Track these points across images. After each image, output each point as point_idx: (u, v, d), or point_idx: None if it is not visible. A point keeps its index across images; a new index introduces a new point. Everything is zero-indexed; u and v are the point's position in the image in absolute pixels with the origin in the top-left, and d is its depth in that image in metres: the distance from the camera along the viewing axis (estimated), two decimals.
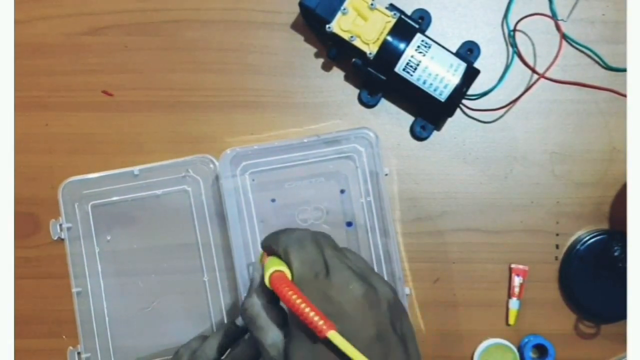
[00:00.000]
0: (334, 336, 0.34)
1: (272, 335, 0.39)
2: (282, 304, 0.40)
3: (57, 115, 0.59)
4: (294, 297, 0.35)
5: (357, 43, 0.53)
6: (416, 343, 0.38)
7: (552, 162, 0.58)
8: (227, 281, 0.57)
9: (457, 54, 0.55)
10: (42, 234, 0.58)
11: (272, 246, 0.40)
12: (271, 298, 0.40)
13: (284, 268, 0.37)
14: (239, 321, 0.52)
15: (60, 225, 0.57)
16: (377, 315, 0.36)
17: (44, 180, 0.58)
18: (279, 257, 0.39)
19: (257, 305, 0.40)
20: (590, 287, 0.57)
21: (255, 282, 0.41)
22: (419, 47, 0.53)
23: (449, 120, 0.58)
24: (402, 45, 0.53)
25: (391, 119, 0.59)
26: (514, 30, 0.57)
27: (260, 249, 0.44)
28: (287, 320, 0.39)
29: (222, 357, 0.50)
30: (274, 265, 0.37)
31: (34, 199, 0.59)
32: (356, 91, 0.59)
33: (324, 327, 0.34)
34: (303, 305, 0.34)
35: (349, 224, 0.56)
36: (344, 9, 0.53)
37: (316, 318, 0.34)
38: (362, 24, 0.53)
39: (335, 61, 0.58)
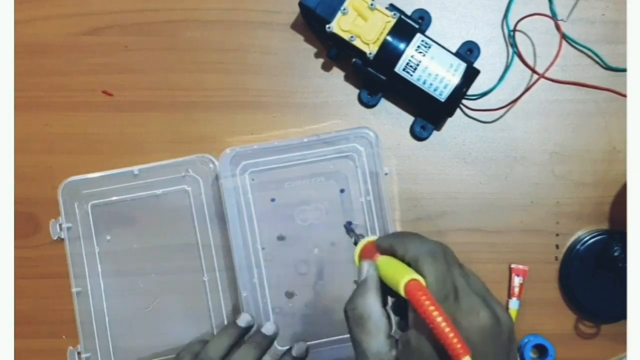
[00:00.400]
0: None
1: (379, 343, 0.36)
2: (388, 308, 0.38)
3: (57, 115, 0.59)
4: (435, 313, 0.32)
5: (357, 43, 0.53)
6: None
7: (552, 162, 0.58)
8: (227, 281, 0.57)
9: (457, 54, 0.55)
10: (42, 234, 0.58)
11: (396, 248, 0.37)
12: (384, 302, 0.38)
13: (420, 278, 0.35)
14: (240, 321, 0.52)
15: (60, 225, 0.57)
16: (499, 347, 0.34)
17: (44, 180, 0.58)
18: (404, 262, 0.37)
19: (370, 307, 0.37)
20: (590, 287, 0.57)
21: (371, 282, 0.38)
22: (419, 47, 0.53)
23: (449, 120, 0.58)
24: (402, 46, 0.53)
25: (391, 119, 0.59)
26: (514, 30, 0.57)
27: (354, 236, 0.42)
28: (392, 329, 0.37)
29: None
30: (408, 273, 0.35)
31: (34, 199, 0.59)
32: (356, 91, 0.59)
33: (461, 351, 0.31)
34: (444, 324, 0.32)
35: (349, 223, 0.56)
36: (344, 9, 0.53)
37: (455, 340, 0.32)
38: (362, 24, 0.53)
39: (335, 61, 0.58)
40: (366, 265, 0.39)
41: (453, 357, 0.32)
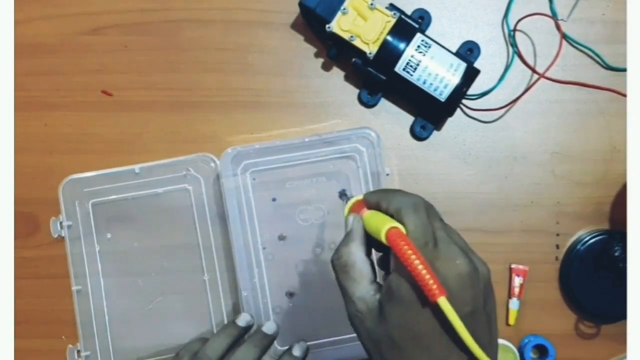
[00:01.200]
0: (444, 303, 0.33)
1: (363, 288, 0.38)
2: (373, 257, 0.41)
3: (57, 115, 0.59)
4: (413, 256, 0.34)
5: (357, 43, 0.53)
6: (497, 323, 0.39)
7: (552, 162, 0.58)
8: (228, 281, 0.57)
9: (457, 54, 0.55)
10: (42, 234, 0.58)
11: (380, 203, 0.39)
12: (368, 252, 0.40)
13: (400, 227, 0.37)
14: (240, 321, 0.51)
15: (61, 223, 0.57)
16: (475, 293, 0.36)
17: (43, 180, 0.58)
18: (388, 214, 0.39)
19: (354, 254, 0.39)
20: (590, 287, 0.57)
21: (355, 233, 0.40)
22: (419, 47, 0.53)
23: (449, 120, 0.58)
24: (402, 45, 0.53)
25: (391, 119, 0.59)
26: (514, 30, 0.57)
27: (347, 200, 0.43)
28: (376, 276, 0.39)
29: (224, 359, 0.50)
30: (389, 222, 0.37)
31: (34, 199, 0.59)
32: (356, 91, 0.59)
33: (437, 292, 0.33)
34: (421, 267, 0.34)
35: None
36: (344, 9, 0.53)
37: (431, 281, 0.33)
38: (362, 24, 0.53)
39: (335, 61, 0.58)
40: (351, 218, 0.41)
41: (429, 297, 0.33)
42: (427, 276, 0.33)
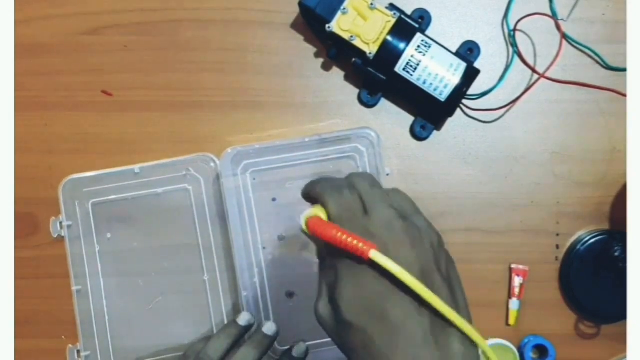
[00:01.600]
0: (376, 255, 0.33)
1: (329, 276, 0.38)
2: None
3: (57, 115, 0.59)
4: (329, 228, 0.34)
5: (357, 43, 0.53)
6: (462, 288, 0.37)
7: (552, 162, 0.58)
8: (228, 281, 0.57)
9: (457, 54, 0.55)
10: (41, 234, 0.58)
11: (309, 194, 0.39)
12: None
13: (320, 212, 0.36)
14: (241, 320, 0.51)
15: (61, 222, 0.57)
16: (420, 252, 0.35)
17: (43, 180, 0.58)
18: (318, 204, 0.38)
19: (317, 252, 0.40)
20: (590, 287, 0.57)
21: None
22: (419, 46, 0.53)
23: (449, 120, 0.58)
24: (402, 45, 0.53)
25: (391, 119, 0.59)
26: (514, 30, 0.57)
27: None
28: None
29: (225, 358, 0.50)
30: (309, 213, 0.37)
31: (33, 199, 0.59)
32: (356, 91, 0.59)
33: (365, 247, 0.33)
34: (340, 234, 0.33)
35: None
36: (344, 9, 0.53)
37: (355, 242, 0.33)
38: (362, 24, 0.53)
39: (335, 61, 0.58)
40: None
41: (361, 256, 0.33)
42: (350, 239, 0.33)
